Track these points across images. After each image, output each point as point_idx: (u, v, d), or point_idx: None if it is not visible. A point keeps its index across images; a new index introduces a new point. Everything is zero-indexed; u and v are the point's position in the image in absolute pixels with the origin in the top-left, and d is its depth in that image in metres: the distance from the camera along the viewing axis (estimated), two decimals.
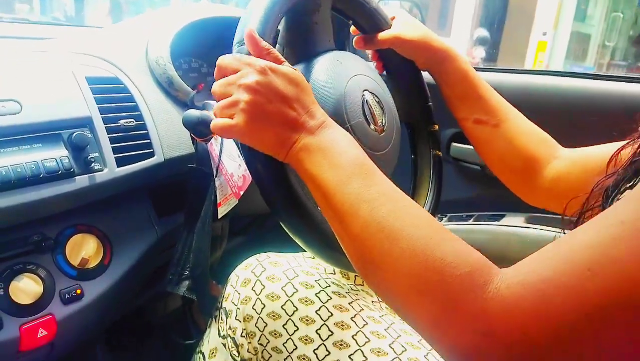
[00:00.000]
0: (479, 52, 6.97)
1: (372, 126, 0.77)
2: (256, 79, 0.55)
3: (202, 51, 1.15)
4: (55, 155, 0.76)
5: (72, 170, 0.77)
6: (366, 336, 0.73)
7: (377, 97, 0.81)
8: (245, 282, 0.82)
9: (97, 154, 0.82)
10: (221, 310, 0.85)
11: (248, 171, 0.91)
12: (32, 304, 0.76)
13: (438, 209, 0.92)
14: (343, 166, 0.53)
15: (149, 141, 0.90)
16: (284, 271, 0.82)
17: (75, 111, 0.81)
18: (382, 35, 0.87)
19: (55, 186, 0.76)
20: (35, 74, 0.81)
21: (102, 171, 0.82)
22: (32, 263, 0.78)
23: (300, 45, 0.78)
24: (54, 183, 0.76)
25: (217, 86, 0.59)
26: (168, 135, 0.94)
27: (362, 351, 0.71)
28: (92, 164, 0.81)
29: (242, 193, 0.90)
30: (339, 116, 0.72)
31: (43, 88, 0.80)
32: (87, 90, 0.84)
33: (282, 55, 0.62)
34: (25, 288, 0.76)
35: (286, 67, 0.58)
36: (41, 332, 0.77)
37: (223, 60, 0.60)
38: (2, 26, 1.40)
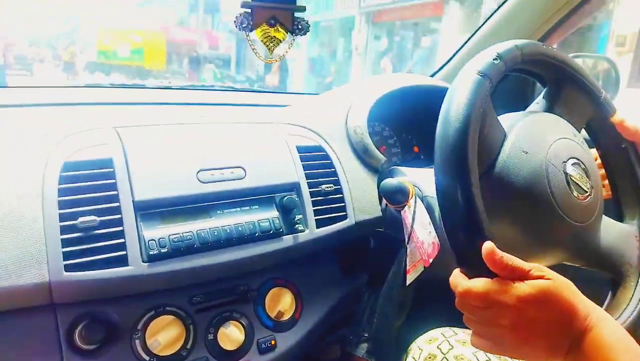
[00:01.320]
0: None
1: (575, 193, 0.73)
2: (511, 322, 0.56)
3: (387, 115, 1.22)
4: (269, 216, 0.87)
5: (281, 230, 0.87)
6: None
7: (583, 163, 0.76)
8: (430, 357, 0.81)
9: (301, 216, 0.91)
10: None
11: (437, 239, 0.92)
12: (234, 351, 0.84)
13: None
14: None
15: (343, 204, 0.97)
16: (474, 352, 0.79)
17: (287, 177, 0.92)
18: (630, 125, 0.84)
19: (267, 244, 0.86)
20: (257, 142, 0.95)
21: (304, 231, 0.90)
22: (237, 311, 0.87)
23: (498, 105, 0.78)
24: (266, 241, 0.86)
25: (467, 311, 0.60)
26: (359, 199, 1.00)
27: None
28: (297, 225, 0.90)
29: (431, 260, 0.90)
30: (540, 185, 0.70)
31: (263, 156, 0.92)
32: (296, 158, 0.95)
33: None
34: (231, 335, 0.84)
35: (535, 287, 0.56)
36: None
37: (463, 287, 0.59)
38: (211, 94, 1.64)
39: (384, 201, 1.00)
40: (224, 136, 0.92)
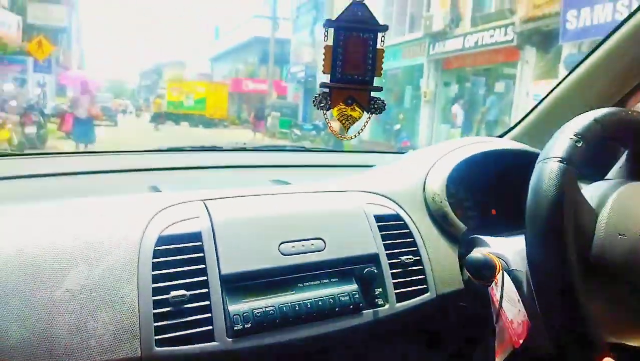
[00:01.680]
0: None
1: None
2: None
3: (463, 178, 1.19)
4: (348, 290, 0.86)
5: (360, 304, 0.86)
6: None
7: None
8: None
9: (380, 289, 0.89)
10: None
11: (527, 317, 0.86)
12: None
13: None
14: None
15: (424, 276, 0.95)
16: None
17: (366, 248, 0.91)
18: None
19: (346, 320, 0.84)
20: (335, 211, 0.95)
21: (384, 306, 0.88)
22: None
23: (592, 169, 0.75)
24: (346, 317, 0.84)
25: None
26: (440, 270, 0.97)
27: None
28: (377, 299, 0.88)
29: (521, 341, 0.85)
30: None
31: (341, 226, 0.92)
32: (375, 228, 0.94)
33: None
34: None
35: None
36: None
37: None
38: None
39: (466, 272, 0.96)
40: (303, 205, 0.95)
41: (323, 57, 0.72)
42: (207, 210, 0.84)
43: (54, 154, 1.27)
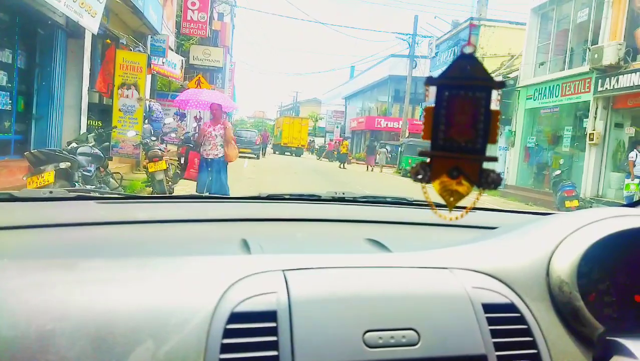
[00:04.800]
0: None
1: None
2: None
3: (598, 255, 0.96)
4: None
5: None
6: None
7: None
8: None
9: None
10: None
11: None
12: None
13: None
14: None
15: None
16: None
17: (471, 347, 0.77)
18: None
19: None
20: (433, 294, 0.83)
21: None
22: None
23: None
24: None
25: None
26: None
27: None
28: None
29: None
30: None
31: (440, 315, 0.80)
32: (483, 321, 0.80)
33: None
34: None
35: None
36: None
37: None
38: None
39: None
40: (395, 283, 0.84)
41: (423, 120, 0.64)
42: (287, 283, 0.78)
43: (146, 199, 1.35)
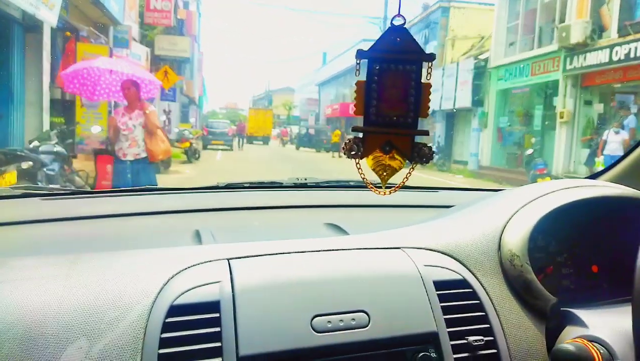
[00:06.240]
0: None
1: None
2: None
3: (553, 228, 0.99)
4: None
5: None
6: None
7: None
8: None
9: None
10: None
11: None
12: None
13: None
14: None
15: None
16: None
17: (422, 325, 0.77)
18: None
19: None
20: (383, 275, 0.82)
21: None
22: None
23: None
24: None
25: None
26: (521, 357, 0.80)
27: None
28: None
29: None
30: None
31: (390, 295, 0.79)
32: (434, 298, 0.80)
33: None
34: None
35: None
36: None
37: None
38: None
39: None
40: (345, 266, 0.83)
41: (354, 95, 0.63)
42: (231, 272, 0.77)
43: (94, 193, 1.31)
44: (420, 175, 13.59)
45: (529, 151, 12.68)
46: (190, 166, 12.90)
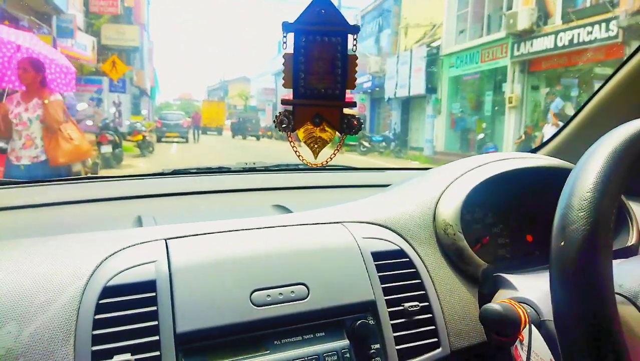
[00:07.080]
0: None
1: None
2: None
3: (489, 200, 1.03)
4: (337, 347, 0.75)
5: None
6: None
7: None
8: None
9: (378, 346, 0.77)
10: None
11: None
12: None
13: None
14: None
15: (434, 328, 0.82)
16: None
17: (360, 294, 0.79)
18: None
19: None
20: (322, 248, 0.84)
21: None
22: None
23: None
24: None
25: None
26: (455, 320, 0.83)
27: None
28: (373, 359, 0.76)
29: None
30: None
31: (329, 267, 0.81)
32: (372, 268, 0.82)
33: None
34: None
35: None
36: None
37: None
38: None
39: None
40: (285, 242, 0.84)
41: (282, 67, 0.63)
42: (168, 252, 0.76)
43: (43, 182, 1.27)
44: (377, 162, 13.79)
45: (481, 136, 13.12)
46: (144, 159, 12.56)
